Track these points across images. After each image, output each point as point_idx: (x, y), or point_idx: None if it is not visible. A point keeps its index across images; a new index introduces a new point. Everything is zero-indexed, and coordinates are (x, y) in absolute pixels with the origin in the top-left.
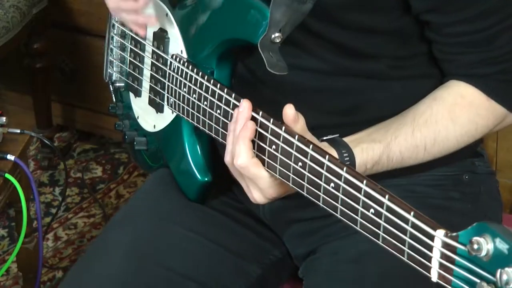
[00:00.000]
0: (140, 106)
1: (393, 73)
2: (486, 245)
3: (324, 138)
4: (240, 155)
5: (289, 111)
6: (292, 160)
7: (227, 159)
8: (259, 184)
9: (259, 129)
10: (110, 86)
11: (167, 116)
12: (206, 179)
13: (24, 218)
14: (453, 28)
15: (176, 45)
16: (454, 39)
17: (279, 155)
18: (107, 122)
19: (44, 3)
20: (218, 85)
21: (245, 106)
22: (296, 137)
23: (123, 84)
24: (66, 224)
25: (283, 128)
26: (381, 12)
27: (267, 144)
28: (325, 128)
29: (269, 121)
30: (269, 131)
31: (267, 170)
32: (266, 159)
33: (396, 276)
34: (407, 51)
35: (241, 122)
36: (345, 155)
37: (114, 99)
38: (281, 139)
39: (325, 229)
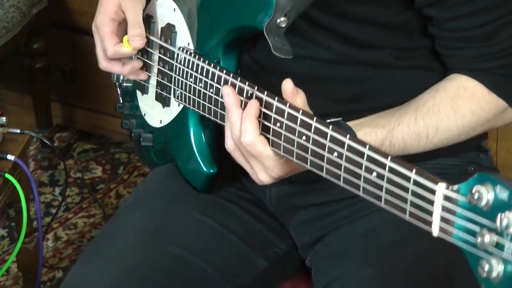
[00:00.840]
0: (147, 103)
1: (396, 63)
2: (486, 194)
3: (328, 121)
4: (246, 133)
5: (287, 85)
6: (296, 134)
7: (228, 144)
8: (264, 163)
9: (264, 109)
10: (118, 87)
11: (174, 109)
12: (211, 170)
13: (24, 218)
14: (454, 23)
15: (183, 38)
16: (455, 34)
17: (283, 132)
18: (107, 122)
19: (44, 3)
20: (224, 71)
21: (227, 92)
22: (300, 111)
23: (130, 84)
24: (66, 224)
25: (288, 104)
26: (383, 5)
27: (272, 122)
28: (329, 116)
29: (274, 99)
30: (274, 110)
31: (272, 149)
32: (271, 137)
33: (407, 245)
34: (410, 44)
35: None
36: None
37: (121, 100)
38: (285, 116)
39: (333, 216)
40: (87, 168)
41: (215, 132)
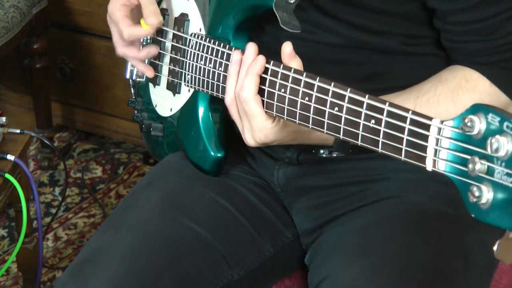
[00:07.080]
0: (159, 94)
1: (406, 49)
2: (479, 123)
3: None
4: (245, 88)
5: (286, 48)
6: (300, 96)
7: (227, 99)
8: (252, 123)
9: (270, 77)
10: (131, 82)
11: (184, 95)
12: (218, 154)
13: (24, 218)
14: (458, 16)
15: (196, 24)
16: (459, 28)
17: (287, 95)
18: (107, 122)
19: (44, 3)
20: (233, 49)
21: (251, 49)
22: (304, 74)
23: (143, 79)
24: (66, 224)
25: (292, 69)
26: None
27: (277, 89)
28: None
29: (279, 67)
30: (279, 76)
31: (265, 111)
32: (265, 99)
33: (398, 242)
34: (418, 32)
35: (250, 59)
36: None
37: (133, 95)
38: (289, 81)
39: (334, 203)
40: (87, 168)
41: (224, 117)
